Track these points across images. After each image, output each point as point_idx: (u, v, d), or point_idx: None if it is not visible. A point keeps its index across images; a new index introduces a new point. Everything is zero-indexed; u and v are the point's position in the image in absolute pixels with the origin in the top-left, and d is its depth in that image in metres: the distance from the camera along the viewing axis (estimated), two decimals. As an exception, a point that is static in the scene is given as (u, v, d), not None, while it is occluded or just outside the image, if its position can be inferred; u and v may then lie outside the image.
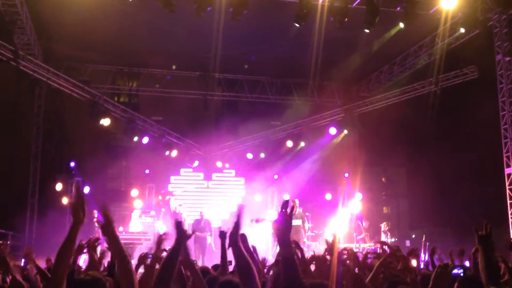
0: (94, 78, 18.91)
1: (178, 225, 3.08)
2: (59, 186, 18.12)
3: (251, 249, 5.61)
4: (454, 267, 3.57)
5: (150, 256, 5.17)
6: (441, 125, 17.98)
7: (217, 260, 5.67)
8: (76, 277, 3.25)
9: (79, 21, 14.52)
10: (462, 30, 14.90)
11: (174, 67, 19.33)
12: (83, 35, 15.78)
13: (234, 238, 3.13)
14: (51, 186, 18.14)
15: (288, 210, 2.88)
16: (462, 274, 3.62)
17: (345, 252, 7.53)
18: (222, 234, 4.84)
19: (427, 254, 15.66)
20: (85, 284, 3.06)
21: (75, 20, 14.47)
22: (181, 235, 3.04)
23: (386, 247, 6.66)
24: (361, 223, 17.24)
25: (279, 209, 2.88)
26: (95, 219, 14.75)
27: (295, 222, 16.94)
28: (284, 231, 2.84)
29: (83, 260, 9.57)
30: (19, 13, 14.49)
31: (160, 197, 18.52)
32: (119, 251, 3.10)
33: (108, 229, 3.11)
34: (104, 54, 17.72)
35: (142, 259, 5.24)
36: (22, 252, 13.91)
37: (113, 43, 16.56)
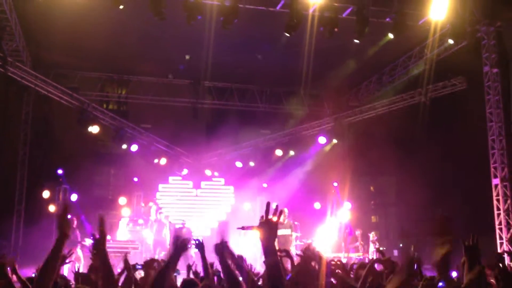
0: (83, 85, 18.82)
1: (176, 239, 3.03)
2: (46, 194, 17.96)
3: (239, 258, 5.58)
4: (439, 280, 3.53)
5: (139, 267, 5.14)
6: (431, 135, 18.06)
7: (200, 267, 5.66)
8: None
9: (68, 27, 14.46)
10: (451, 41, 15.03)
11: (170, 76, 19.31)
12: (72, 42, 15.72)
13: (220, 251, 3.12)
14: (38, 193, 17.97)
15: (272, 215, 2.84)
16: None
17: (333, 263, 7.52)
18: (199, 245, 4.82)
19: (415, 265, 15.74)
20: None
21: (64, 27, 14.41)
22: (177, 249, 2.99)
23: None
24: (354, 232, 17.26)
25: (263, 215, 2.85)
26: (74, 225, 14.67)
27: (284, 231, 16.94)
28: (268, 237, 2.80)
29: (67, 270, 9.47)
30: (8, 19, 14.40)
31: (142, 204, 18.45)
32: (105, 267, 3.06)
33: (100, 246, 3.08)
34: (93, 61, 17.66)
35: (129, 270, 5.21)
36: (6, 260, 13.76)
37: (103, 50, 16.51)
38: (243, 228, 3.69)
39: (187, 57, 17.59)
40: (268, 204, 2.86)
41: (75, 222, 14.87)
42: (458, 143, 17.31)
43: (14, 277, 5.12)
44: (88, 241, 15.58)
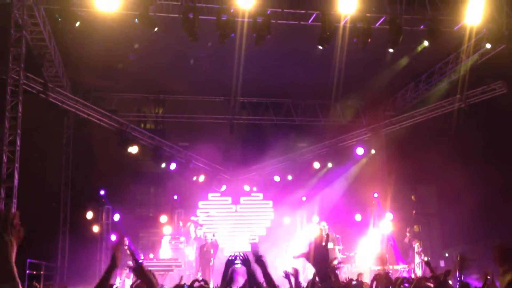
0: (120, 107, 19.21)
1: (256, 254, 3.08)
2: (89, 215, 18.31)
3: (294, 272, 6.05)
4: None
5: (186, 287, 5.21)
6: (471, 142, 17.68)
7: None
8: None
9: (104, 51, 14.80)
10: (488, 45, 14.75)
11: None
12: (109, 65, 16.09)
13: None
14: (81, 214, 18.34)
15: (320, 240, 2.88)
16: None
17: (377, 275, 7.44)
18: (245, 262, 4.82)
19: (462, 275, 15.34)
20: None
21: (100, 51, 14.74)
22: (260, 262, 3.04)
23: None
24: (413, 244, 16.92)
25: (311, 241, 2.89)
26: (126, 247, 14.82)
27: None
28: (321, 264, 2.88)
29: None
30: (48, 47, 14.85)
31: (181, 224, 18.55)
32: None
33: (141, 272, 3.18)
34: (129, 82, 18.01)
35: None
36: (55, 282, 14.06)
37: (138, 72, 16.82)
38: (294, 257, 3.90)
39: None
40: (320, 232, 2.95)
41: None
42: (500, 148, 16.91)
43: None
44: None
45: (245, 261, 4.78)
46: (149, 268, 3.49)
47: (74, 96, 17.27)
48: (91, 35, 14.05)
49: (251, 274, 4.75)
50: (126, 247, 14.50)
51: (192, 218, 18.67)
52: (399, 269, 16.26)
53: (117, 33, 13.89)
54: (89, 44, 14.47)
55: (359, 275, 10.75)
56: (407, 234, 17.32)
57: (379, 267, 15.82)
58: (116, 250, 3.30)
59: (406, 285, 6.26)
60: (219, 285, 5.50)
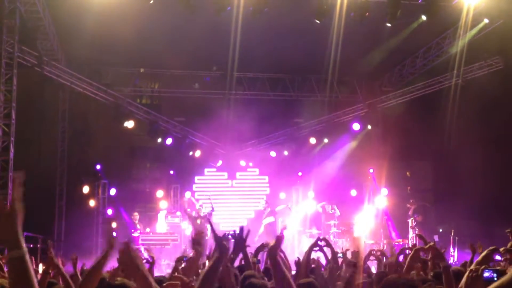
0: (116, 81, 19.08)
1: (219, 240, 3.05)
2: (86, 189, 18.35)
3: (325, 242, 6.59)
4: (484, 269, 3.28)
5: (186, 259, 5.25)
6: (466, 118, 17.70)
7: None
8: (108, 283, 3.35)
9: (99, 24, 14.61)
10: (486, 20, 14.67)
11: (214, 68, 19.47)
12: (104, 38, 15.89)
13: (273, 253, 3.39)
14: (78, 188, 18.38)
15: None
16: (496, 279, 3.16)
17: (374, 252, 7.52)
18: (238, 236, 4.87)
19: (456, 249, 15.51)
20: None
21: (95, 24, 14.57)
22: (222, 251, 3.01)
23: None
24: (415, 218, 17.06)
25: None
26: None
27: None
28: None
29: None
30: (42, 19, 14.69)
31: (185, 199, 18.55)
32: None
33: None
34: (125, 56, 17.85)
35: (177, 262, 5.38)
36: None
37: (134, 45, 16.67)
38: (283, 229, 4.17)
39: (214, 68, 17.71)
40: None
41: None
42: (495, 125, 16.96)
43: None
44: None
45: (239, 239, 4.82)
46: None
47: (69, 70, 17.15)
48: (86, 7, 13.90)
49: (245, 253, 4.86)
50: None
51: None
52: (394, 244, 16.41)
53: (112, 6, 13.73)
54: (84, 17, 14.30)
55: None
56: (408, 205, 17.44)
57: (372, 242, 16.01)
58: (108, 235, 3.46)
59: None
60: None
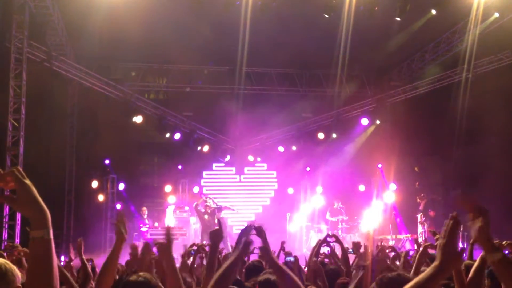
0: (124, 76, 19.13)
1: (242, 241, 3.04)
2: (94, 184, 18.43)
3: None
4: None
5: (193, 252, 5.26)
6: (475, 112, 17.58)
7: None
8: (127, 278, 3.28)
9: (107, 20, 14.63)
10: (496, 14, 14.56)
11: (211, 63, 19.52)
12: (112, 34, 15.90)
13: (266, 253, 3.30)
14: (86, 183, 18.45)
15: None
16: None
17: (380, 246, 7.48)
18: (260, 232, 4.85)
19: (465, 244, 15.44)
20: (137, 285, 3.05)
21: (103, 19, 14.59)
22: (243, 251, 3.00)
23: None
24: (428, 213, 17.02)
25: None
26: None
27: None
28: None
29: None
30: (51, 14, 14.72)
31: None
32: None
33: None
34: (133, 51, 17.86)
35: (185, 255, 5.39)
36: (62, 249, 14.21)
37: (142, 41, 16.67)
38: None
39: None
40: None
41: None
42: (505, 119, 16.82)
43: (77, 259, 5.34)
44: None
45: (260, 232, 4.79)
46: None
47: (78, 65, 17.19)
48: (94, 3, 13.92)
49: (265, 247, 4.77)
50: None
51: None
52: (402, 239, 16.37)
53: (121, 1, 13.75)
54: (93, 13, 14.32)
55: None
56: (419, 200, 17.40)
57: (381, 237, 15.97)
58: (117, 227, 3.46)
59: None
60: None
